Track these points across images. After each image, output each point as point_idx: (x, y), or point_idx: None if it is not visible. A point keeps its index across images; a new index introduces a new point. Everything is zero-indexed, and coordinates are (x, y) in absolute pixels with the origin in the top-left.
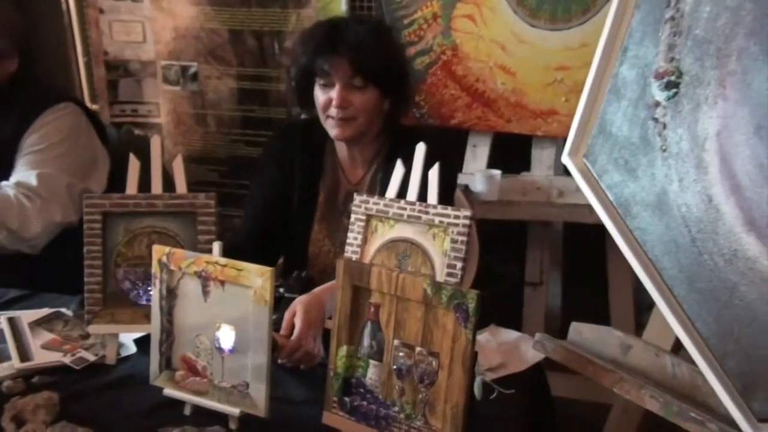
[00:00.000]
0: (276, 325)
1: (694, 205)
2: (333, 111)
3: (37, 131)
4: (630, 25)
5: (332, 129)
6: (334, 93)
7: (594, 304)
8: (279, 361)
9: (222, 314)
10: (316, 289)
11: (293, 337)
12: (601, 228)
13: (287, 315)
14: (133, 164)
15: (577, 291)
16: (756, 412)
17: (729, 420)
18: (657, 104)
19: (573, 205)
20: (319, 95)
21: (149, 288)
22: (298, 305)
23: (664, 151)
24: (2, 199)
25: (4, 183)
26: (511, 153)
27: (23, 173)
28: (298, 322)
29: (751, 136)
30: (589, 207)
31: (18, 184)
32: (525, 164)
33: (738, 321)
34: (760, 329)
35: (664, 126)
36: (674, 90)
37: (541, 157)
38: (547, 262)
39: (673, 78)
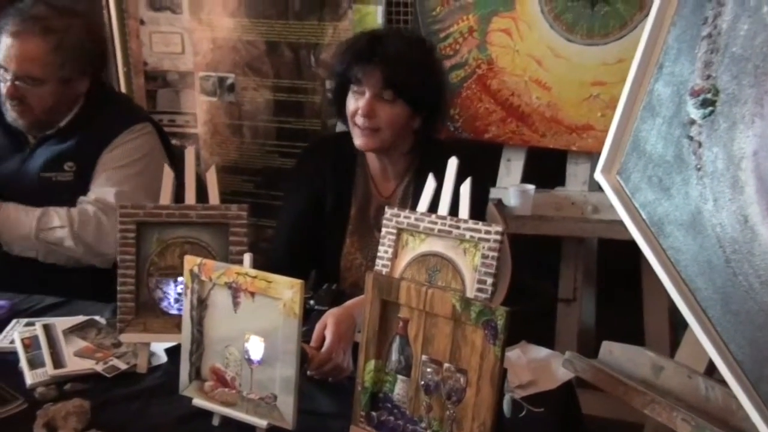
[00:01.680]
0: (306, 337)
1: (729, 225)
2: (359, 120)
3: (117, 148)
4: (666, 42)
5: (357, 138)
6: (362, 101)
7: (629, 321)
8: (308, 373)
9: (251, 326)
10: (348, 303)
11: (323, 349)
12: (636, 244)
13: (318, 327)
14: (167, 174)
15: (611, 308)
16: None
17: None
18: (692, 122)
19: (608, 221)
20: (351, 103)
21: (181, 298)
22: (330, 318)
23: (699, 169)
24: (81, 214)
25: (83, 198)
26: (546, 168)
27: (101, 189)
28: (328, 335)
29: None
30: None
31: (97, 201)
32: (560, 179)
33: None
34: None
35: (699, 144)
36: (710, 108)
37: (575, 173)
38: (581, 278)
39: (709, 96)
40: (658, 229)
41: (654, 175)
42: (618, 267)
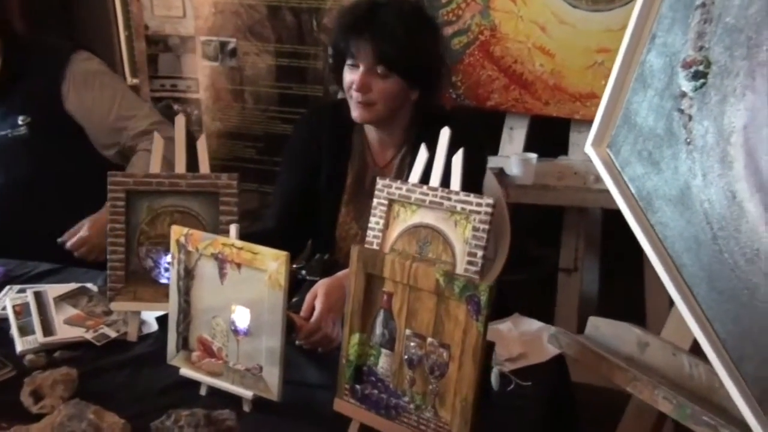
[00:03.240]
0: (297, 308)
1: (717, 201)
2: (354, 93)
3: (79, 80)
4: (660, 11)
5: (353, 111)
6: (356, 75)
7: (632, 291)
8: (297, 342)
9: (238, 297)
10: (339, 273)
11: (312, 319)
12: None
13: (308, 297)
14: (158, 142)
15: (615, 278)
16: None
17: (744, 425)
18: (683, 95)
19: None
20: (346, 75)
21: (170, 267)
22: (320, 288)
23: (689, 143)
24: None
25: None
26: (549, 136)
27: (136, 125)
28: (318, 305)
29: None
30: None
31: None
32: (563, 148)
33: (757, 324)
34: None
35: (690, 118)
36: (702, 80)
37: (578, 141)
38: (582, 248)
39: (701, 68)
40: (646, 203)
41: (644, 148)
42: (622, 237)
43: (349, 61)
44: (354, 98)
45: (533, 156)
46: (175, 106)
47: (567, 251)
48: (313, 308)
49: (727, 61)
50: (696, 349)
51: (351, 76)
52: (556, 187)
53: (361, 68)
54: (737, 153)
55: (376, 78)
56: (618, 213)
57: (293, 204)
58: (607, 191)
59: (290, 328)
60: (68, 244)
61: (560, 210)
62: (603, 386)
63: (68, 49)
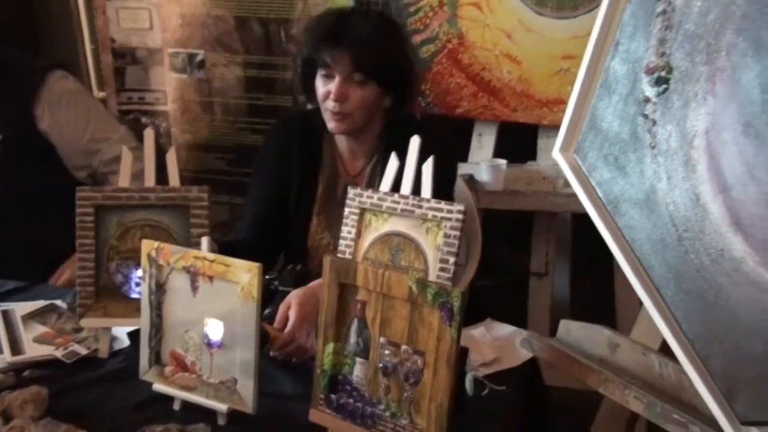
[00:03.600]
0: (270, 319)
1: (681, 204)
2: (330, 104)
3: (56, 99)
4: (622, 19)
5: (329, 122)
6: (333, 86)
7: (603, 294)
8: (271, 353)
9: (210, 310)
10: (312, 284)
11: (286, 330)
12: None
13: (282, 308)
14: (126, 157)
15: (587, 282)
16: (739, 414)
17: (713, 422)
18: (647, 100)
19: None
20: (320, 86)
21: (141, 281)
22: (293, 298)
23: (654, 148)
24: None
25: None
26: (518, 142)
27: (109, 149)
28: (292, 315)
29: (739, 134)
30: None
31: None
32: (531, 154)
33: (723, 323)
34: (744, 332)
35: (654, 122)
36: (664, 86)
37: (546, 147)
38: (553, 252)
39: (663, 73)
40: (613, 207)
41: (610, 153)
42: (593, 241)
43: (322, 72)
44: (330, 108)
45: (503, 162)
46: (144, 119)
47: (538, 255)
48: (286, 319)
49: (688, 66)
50: (665, 349)
51: (326, 86)
52: (526, 193)
53: (338, 78)
54: (700, 156)
55: (353, 86)
56: (587, 217)
57: (265, 215)
58: (576, 195)
59: (264, 339)
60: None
61: (530, 215)
62: (576, 389)
63: (44, 68)
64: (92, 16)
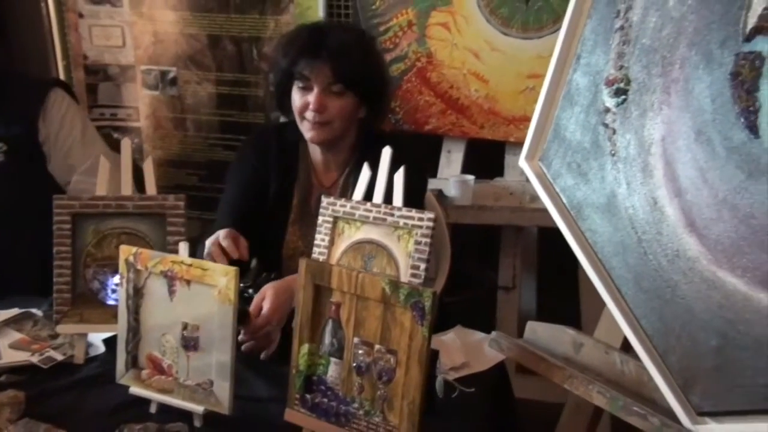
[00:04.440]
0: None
1: (640, 208)
2: (309, 114)
3: (60, 114)
4: (583, 34)
5: (307, 132)
6: (311, 97)
7: (568, 307)
8: (239, 338)
9: (187, 313)
10: (289, 277)
11: (260, 317)
12: None
13: (257, 298)
14: (103, 166)
15: (552, 295)
16: (695, 405)
17: (671, 413)
18: (607, 110)
19: (544, 210)
20: (297, 98)
21: (118, 288)
22: (269, 290)
23: (614, 155)
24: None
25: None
26: (486, 159)
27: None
28: (267, 304)
29: (692, 142)
30: None
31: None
32: (498, 170)
33: (679, 319)
34: (698, 326)
35: (614, 131)
36: (623, 97)
37: (513, 163)
38: (520, 266)
39: (622, 85)
40: (577, 212)
41: (573, 161)
42: (558, 254)
43: (300, 84)
44: (309, 119)
45: (471, 178)
46: (116, 135)
47: (505, 269)
48: (260, 309)
49: (645, 78)
50: (627, 347)
51: (304, 98)
52: (493, 207)
53: (316, 89)
54: (657, 162)
55: (332, 97)
56: (553, 230)
57: (239, 221)
58: (542, 210)
59: (242, 318)
60: None
61: (498, 229)
62: (543, 400)
63: (48, 84)
64: (65, 33)
